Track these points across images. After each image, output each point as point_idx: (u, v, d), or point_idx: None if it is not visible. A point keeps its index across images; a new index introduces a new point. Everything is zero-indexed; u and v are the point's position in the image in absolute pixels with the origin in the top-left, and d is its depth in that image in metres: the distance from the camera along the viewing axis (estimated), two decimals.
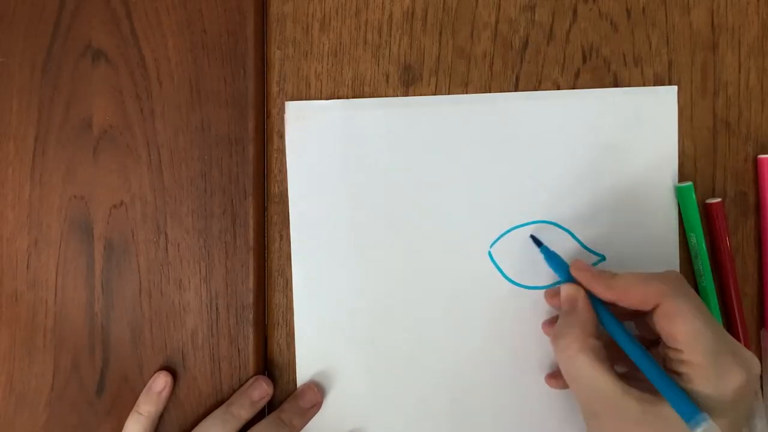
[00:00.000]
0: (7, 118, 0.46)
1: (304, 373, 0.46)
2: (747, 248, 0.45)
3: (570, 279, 0.41)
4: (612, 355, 0.38)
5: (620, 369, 0.39)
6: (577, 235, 0.45)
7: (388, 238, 0.46)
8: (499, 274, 0.45)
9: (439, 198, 0.45)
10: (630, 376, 0.37)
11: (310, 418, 0.45)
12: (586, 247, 0.45)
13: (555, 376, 0.44)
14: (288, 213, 0.46)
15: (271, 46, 0.47)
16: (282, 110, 0.47)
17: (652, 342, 0.41)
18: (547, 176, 0.45)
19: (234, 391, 0.45)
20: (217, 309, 0.46)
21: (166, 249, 0.46)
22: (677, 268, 0.45)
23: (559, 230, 0.45)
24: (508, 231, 0.45)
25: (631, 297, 0.38)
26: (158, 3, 0.46)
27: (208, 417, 0.44)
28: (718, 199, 0.44)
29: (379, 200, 0.46)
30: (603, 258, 0.45)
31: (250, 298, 0.46)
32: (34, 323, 0.46)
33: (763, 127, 0.46)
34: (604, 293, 0.39)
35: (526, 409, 0.45)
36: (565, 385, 0.42)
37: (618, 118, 0.45)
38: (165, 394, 0.44)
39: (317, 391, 0.45)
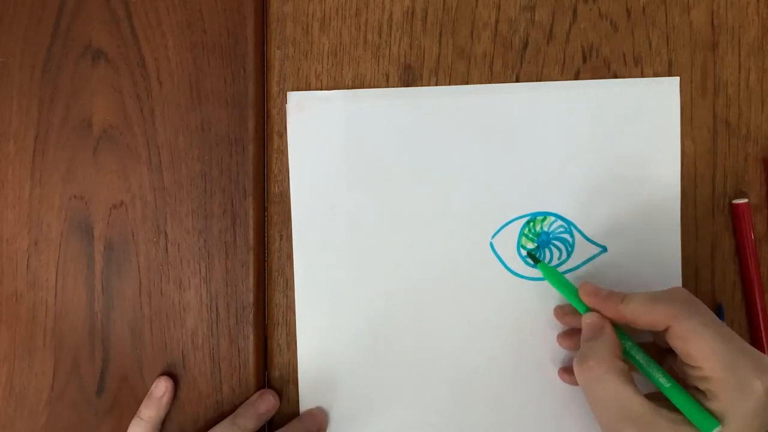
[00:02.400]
0: (7, 118, 0.46)
1: (305, 368, 0.46)
2: None
3: (572, 299, 0.42)
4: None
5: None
6: (579, 226, 0.45)
7: (389, 229, 0.46)
8: (501, 265, 0.45)
9: (441, 189, 0.45)
10: (650, 399, 0.37)
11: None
12: (587, 238, 0.45)
13: (568, 372, 0.44)
14: (288, 213, 0.46)
15: (271, 46, 0.47)
16: (282, 109, 0.47)
17: (666, 351, 0.41)
18: (548, 167, 0.45)
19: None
20: (217, 309, 0.46)
21: (166, 249, 0.46)
22: (679, 257, 0.45)
23: (561, 221, 0.45)
24: (509, 222, 0.45)
25: (641, 321, 0.38)
26: (158, 3, 0.46)
27: (214, 428, 0.44)
28: (745, 200, 0.44)
29: (380, 191, 0.46)
30: (604, 249, 0.45)
31: (250, 298, 0.46)
32: (34, 323, 0.46)
33: (763, 127, 0.46)
34: (615, 317, 0.40)
35: (526, 400, 0.45)
36: (575, 381, 0.42)
37: (620, 110, 0.45)
38: (166, 399, 0.44)
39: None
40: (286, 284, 0.47)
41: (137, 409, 0.45)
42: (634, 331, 0.40)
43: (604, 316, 0.40)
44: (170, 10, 0.46)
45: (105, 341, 0.46)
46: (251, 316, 0.46)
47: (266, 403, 0.45)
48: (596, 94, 0.45)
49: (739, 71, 0.46)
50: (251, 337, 0.46)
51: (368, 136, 0.46)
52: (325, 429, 0.45)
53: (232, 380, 0.46)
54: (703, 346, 0.36)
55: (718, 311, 0.44)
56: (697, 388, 0.36)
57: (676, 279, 0.45)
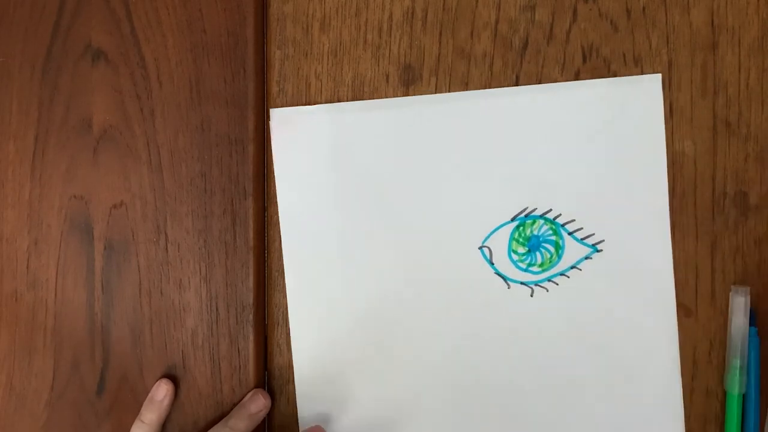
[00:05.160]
0: (7, 118, 0.46)
1: (301, 371, 0.46)
2: (747, 248, 0.45)
3: None
4: None
5: None
6: (569, 228, 0.45)
7: (379, 239, 0.46)
8: (492, 270, 0.45)
9: (429, 197, 0.46)
10: None
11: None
12: (577, 240, 0.45)
13: None
14: None
15: (271, 46, 0.47)
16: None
17: None
18: (536, 170, 0.45)
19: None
20: (217, 309, 0.46)
21: (166, 249, 0.46)
22: (670, 255, 0.45)
23: (550, 224, 0.45)
24: (498, 228, 0.45)
25: None
26: (158, 3, 0.46)
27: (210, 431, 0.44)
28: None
29: (369, 201, 0.46)
30: (595, 250, 0.45)
31: (250, 298, 0.46)
32: (34, 323, 0.46)
33: (763, 127, 0.46)
34: None
35: (519, 402, 0.45)
36: None
37: (604, 109, 0.45)
38: (167, 402, 0.44)
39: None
40: (286, 284, 0.47)
41: (137, 409, 0.45)
42: None
43: None
44: (170, 10, 0.46)
45: (105, 341, 0.46)
46: (251, 316, 0.46)
47: (257, 404, 0.45)
48: (579, 95, 0.45)
49: (739, 71, 0.46)
50: (251, 337, 0.46)
51: (354, 148, 0.46)
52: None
53: (232, 380, 0.46)
54: None
55: (751, 316, 0.44)
56: None
57: (667, 278, 0.45)
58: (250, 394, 0.45)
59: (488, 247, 0.45)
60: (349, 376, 0.46)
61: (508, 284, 0.45)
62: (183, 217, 0.46)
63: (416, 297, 0.46)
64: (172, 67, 0.46)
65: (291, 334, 0.46)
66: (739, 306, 0.44)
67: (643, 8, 0.46)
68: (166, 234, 0.46)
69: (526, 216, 0.45)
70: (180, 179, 0.46)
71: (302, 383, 0.46)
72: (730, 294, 0.45)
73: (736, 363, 0.44)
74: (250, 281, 0.46)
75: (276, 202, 0.47)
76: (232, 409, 0.45)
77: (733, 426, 0.44)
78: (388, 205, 0.46)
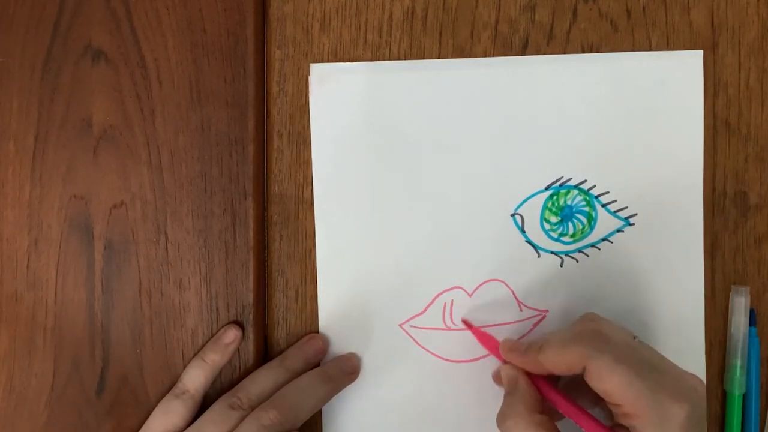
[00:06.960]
0: (7, 118, 0.46)
1: (326, 330, 0.46)
2: (747, 248, 0.45)
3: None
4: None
5: None
6: (602, 200, 0.45)
7: (411, 200, 0.46)
8: (523, 238, 0.45)
9: (463, 161, 0.45)
10: None
11: (312, 366, 0.45)
12: (610, 212, 0.45)
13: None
14: (288, 213, 0.47)
15: (271, 46, 0.47)
16: (282, 109, 0.47)
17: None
18: (574, 140, 0.45)
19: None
20: (217, 309, 0.46)
21: (166, 249, 0.46)
22: (701, 231, 0.45)
23: (584, 195, 0.45)
24: (531, 196, 0.45)
25: (559, 369, 0.38)
26: (158, 3, 0.46)
27: (263, 367, 0.44)
28: None
29: (402, 162, 0.46)
30: (628, 223, 0.45)
31: (250, 298, 0.46)
32: (34, 323, 0.46)
33: (763, 127, 0.46)
34: (536, 370, 0.39)
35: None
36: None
37: (643, 83, 0.45)
38: (233, 347, 0.45)
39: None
40: (286, 284, 0.47)
41: (138, 409, 0.45)
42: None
43: (520, 369, 0.40)
44: (170, 10, 0.46)
45: (105, 341, 0.46)
46: (251, 316, 0.46)
47: (315, 348, 0.45)
48: (619, 66, 0.45)
49: (739, 71, 0.46)
50: (251, 337, 0.46)
51: (391, 107, 0.46)
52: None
53: (233, 380, 0.46)
54: (617, 381, 0.35)
55: (751, 316, 0.44)
56: (623, 426, 0.36)
57: (697, 257, 0.45)
58: (307, 337, 0.45)
59: (520, 215, 0.45)
60: (375, 333, 0.46)
61: (538, 253, 0.45)
62: (183, 217, 0.46)
63: (445, 260, 0.46)
64: (172, 67, 0.46)
65: (318, 290, 0.46)
66: (739, 306, 0.44)
67: (643, 8, 0.46)
68: (166, 234, 0.46)
69: (560, 185, 0.45)
70: (180, 179, 0.46)
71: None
72: (730, 294, 0.45)
73: (736, 363, 0.44)
74: (250, 281, 0.46)
75: (276, 202, 0.47)
76: None
77: (733, 426, 0.44)
78: (422, 167, 0.46)
